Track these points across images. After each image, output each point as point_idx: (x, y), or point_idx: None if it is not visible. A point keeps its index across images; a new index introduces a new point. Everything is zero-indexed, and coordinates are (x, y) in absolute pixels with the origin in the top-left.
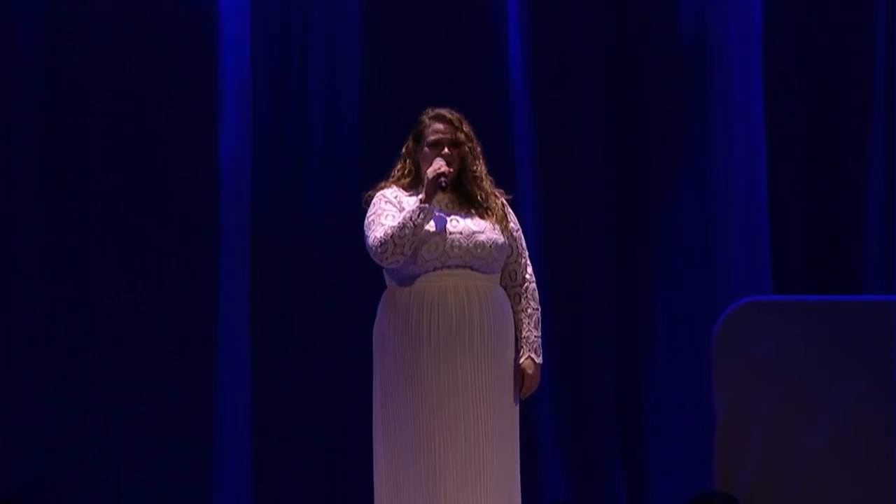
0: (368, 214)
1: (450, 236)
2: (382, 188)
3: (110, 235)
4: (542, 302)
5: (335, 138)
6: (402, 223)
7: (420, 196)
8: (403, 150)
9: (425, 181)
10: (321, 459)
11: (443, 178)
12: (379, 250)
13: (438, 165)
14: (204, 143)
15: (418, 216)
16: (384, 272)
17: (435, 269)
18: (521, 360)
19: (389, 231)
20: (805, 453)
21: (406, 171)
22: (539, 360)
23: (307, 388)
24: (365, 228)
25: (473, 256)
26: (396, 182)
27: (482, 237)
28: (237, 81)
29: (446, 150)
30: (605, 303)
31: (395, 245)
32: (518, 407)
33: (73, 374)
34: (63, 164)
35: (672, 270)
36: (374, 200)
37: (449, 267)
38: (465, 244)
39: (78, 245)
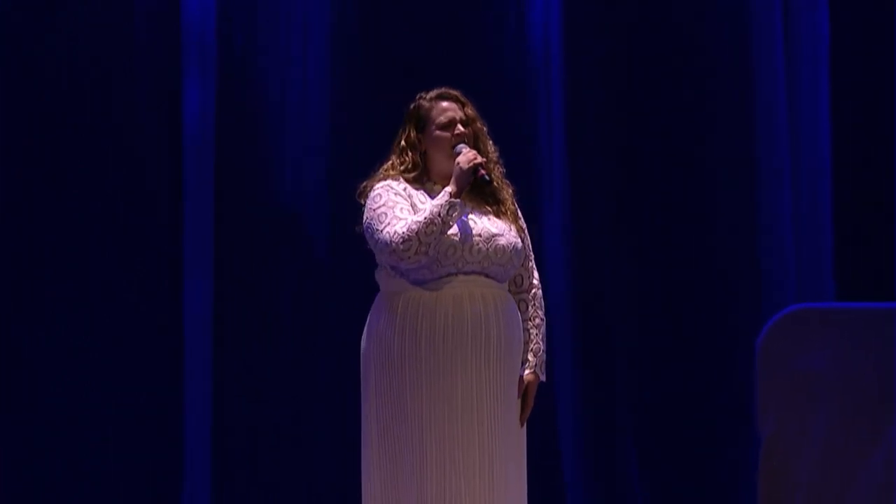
0: (375, 206)
1: (469, 239)
2: (382, 178)
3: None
4: (563, 313)
5: (310, 128)
6: (430, 218)
7: (449, 189)
8: (402, 142)
9: (455, 171)
10: (320, 463)
11: (482, 170)
12: (401, 247)
13: (473, 154)
14: (168, 122)
15: (447, 211)
16: (379, 275)
17: (448, 275)
18: (525, 374)
19: (415, 226)
20: (864, 483)
21: (411, 165)
22: (543, 377)
23: (307, 389)
24: (372, 221)
25: (492, 262)
26: (400, 176)
27: (502, 241)
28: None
29: (460, 128)
30: (635, 312)
31: (421, 243)
32: (525, 431)
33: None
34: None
35: (714, 276)
36: (377, 192)
37: (465, 273)
38: (484, 249)
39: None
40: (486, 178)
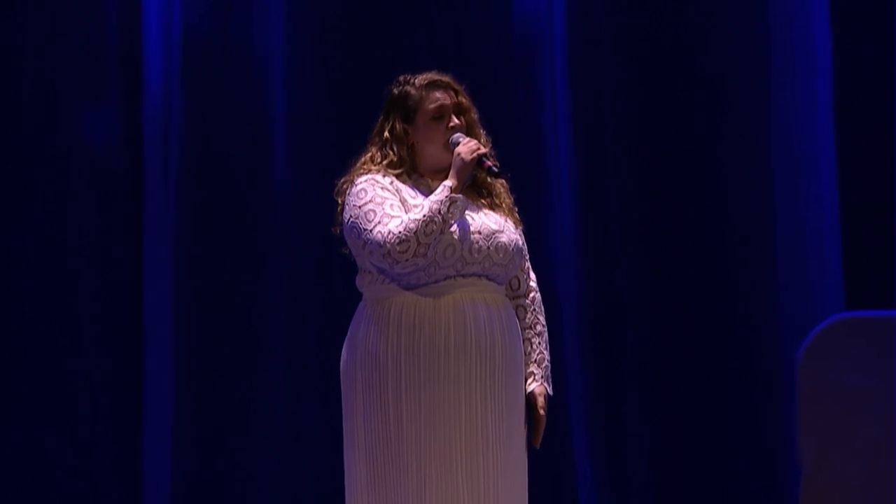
0: (360, 203)
1: (468, 238)
2: (364, 172)
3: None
4: (572, 317)
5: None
6: (429, 216)
7: (448, 183)
8: (386, 133)
9: (455, 163)
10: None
11: (488, 161)
12: (397, 248)
13: (475, 144)
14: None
15: (448, 208)
16: (361, 281)
17: (446, 279)
18: (535, 388)
19: (412, 225)
20: None
21: (397, 160)
22: (551, 390)
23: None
24: (358, 220)
25: (493, 263)
26: (384, 169)
27: (503, 238)
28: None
29: (454, 120)
30: (640, 313)
31: (420, 244)
32: (526, 449)
33: None
34: None
35: (727, 277)
36: (361, 187)
37: (463, 276)
38: (485, 247)
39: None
40: (494, 169)
